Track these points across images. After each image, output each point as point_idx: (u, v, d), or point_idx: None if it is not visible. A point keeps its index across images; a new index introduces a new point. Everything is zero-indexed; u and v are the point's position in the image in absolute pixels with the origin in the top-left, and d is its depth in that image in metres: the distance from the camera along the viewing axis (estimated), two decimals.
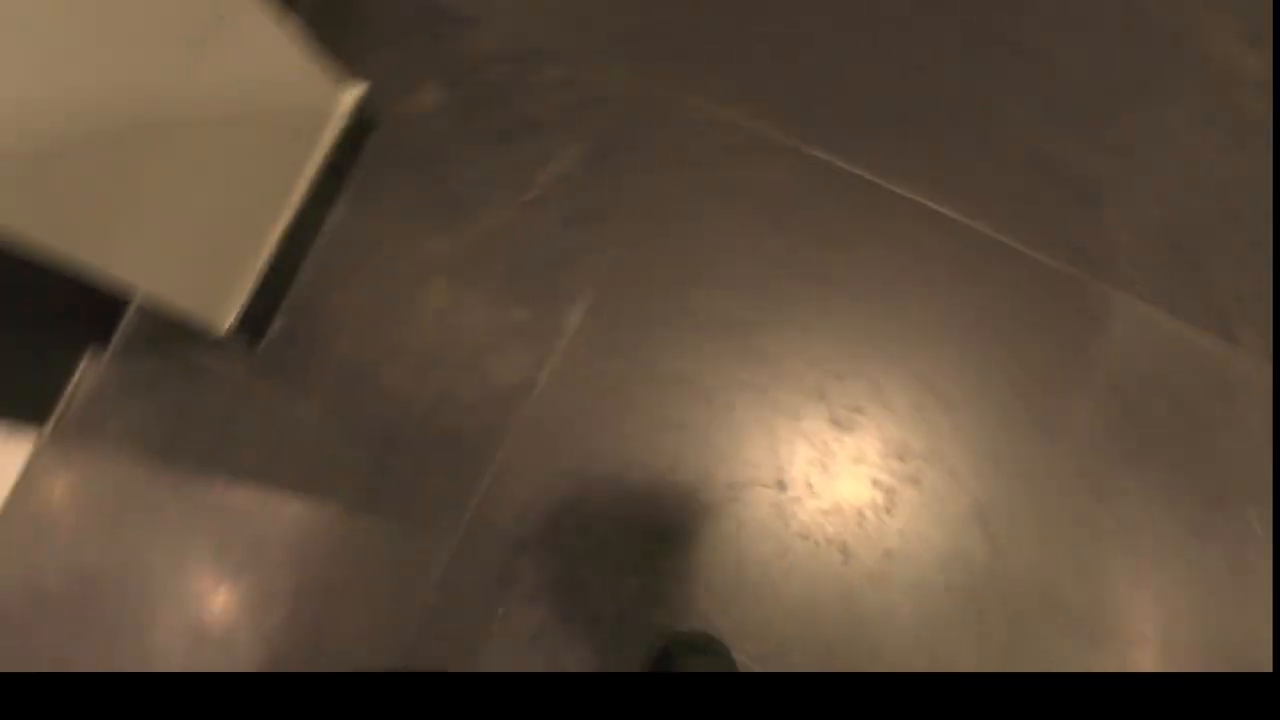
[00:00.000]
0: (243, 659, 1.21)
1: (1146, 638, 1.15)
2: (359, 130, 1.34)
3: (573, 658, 1.17)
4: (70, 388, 1.37)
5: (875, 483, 1.21)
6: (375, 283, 1.30)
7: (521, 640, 1.18)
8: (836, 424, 1.22)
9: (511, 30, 1.35)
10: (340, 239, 1.31)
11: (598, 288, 1.27)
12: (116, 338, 1.39)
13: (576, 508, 1.22)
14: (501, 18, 1.36)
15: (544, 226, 1.28)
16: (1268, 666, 1.14)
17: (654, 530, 1.21)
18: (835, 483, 1.22)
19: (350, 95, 1.30)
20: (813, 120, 1.29)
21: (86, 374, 1.37)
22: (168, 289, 1.18)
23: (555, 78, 1.32)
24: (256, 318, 1.30)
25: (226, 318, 1.27)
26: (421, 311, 1.28)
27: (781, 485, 1.22)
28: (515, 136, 1.31)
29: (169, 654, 1.23)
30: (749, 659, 1.15)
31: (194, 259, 1.21)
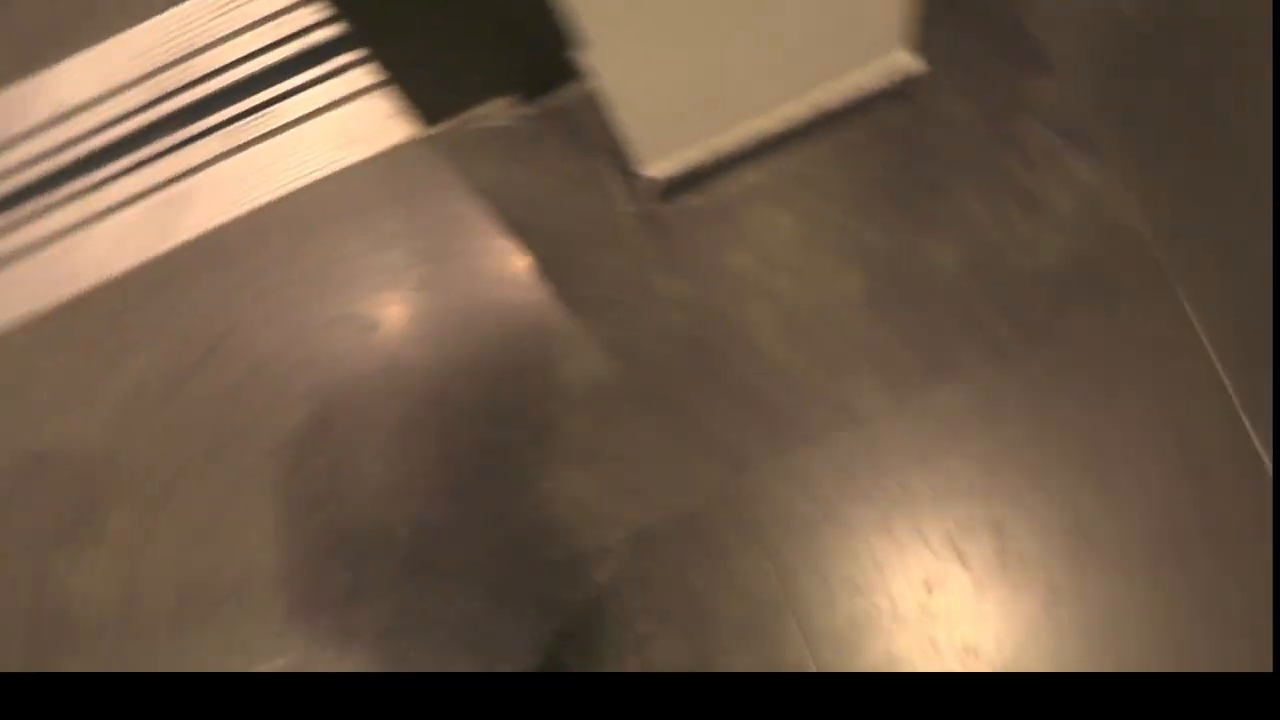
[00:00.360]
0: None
1: None
2: (886, 95, 1.27)
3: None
4: (470, 115, 1.35)
5: None
6: (800, 228, 1.24)
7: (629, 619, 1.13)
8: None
9: (1069, 107, 1.27)
10: (800, 170, 1.25)
11: (980, 389, 1.18)
12: (538, 102, 1.36)
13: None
14: (1069, 86, 1.27)
15: (982, 288, 1.20)
16: None
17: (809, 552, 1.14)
18: None
19: (903, 61, 1.24)
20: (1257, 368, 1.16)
21: (494, 113, 1.35)
22: (633, 109, 1.14)
23: (1087, 178, 1.23)
24: (678, 182, 1.26)
25: (656, 164, 1.22)
26: (823, 286, 1.21)
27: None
28: (1010, 199, 1.23)
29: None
30: None
31: (679, 101, 1.16)
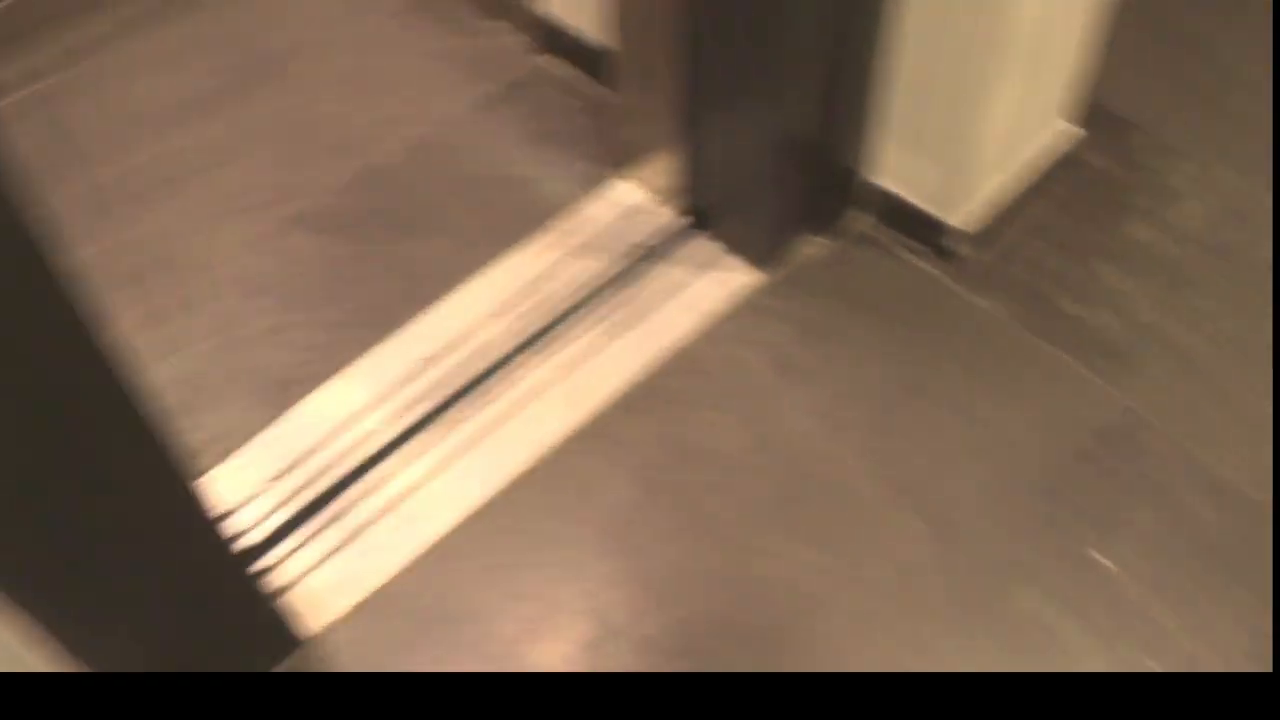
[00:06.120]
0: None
1: None
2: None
3: None
4: (794, 256, 1.58)
5: None
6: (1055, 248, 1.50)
7: None
8: None
9: None
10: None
11: None
12: (837, 231, 1.58)
13: None
14: None
15: None
16: None
17: None
18: None
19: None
20: None
21: (807, 250, 1.58)
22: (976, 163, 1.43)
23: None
24: (978, 237, 1.51)
25: (965, 219, 1.49)
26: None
27: None
28: None
29: None
30: None
31: (994, 151, 1.45)
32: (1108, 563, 1.26)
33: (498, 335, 1.50)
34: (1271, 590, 1.20)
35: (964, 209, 1.49)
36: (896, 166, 1.50)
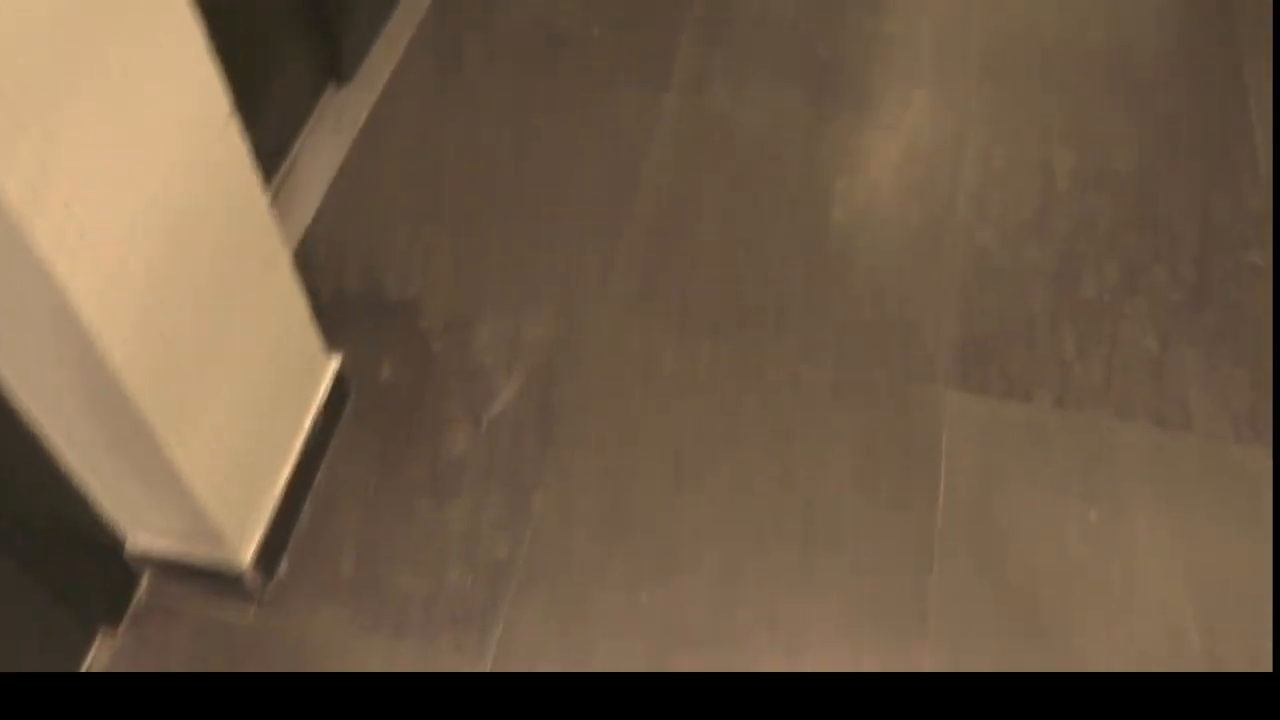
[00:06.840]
0: None
1: None
2: (339, 392, 1.56)
3: None
4: (85, 666, 1.40)
5: None
6: (366, 511, 1.49)
7: None
8: None
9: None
10: (332, 480, 1.51)
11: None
12: (128, 615, 1.45)
13: None
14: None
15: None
16: None
17: None
18: None
19: (333, 362, 1.54)
20: None
21: (100, 652, 1.42)
22: (215, 500, 1.28)
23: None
24: (269, 556, 1.42)
25: (246, 551, 1.37)
26: (419, 523, 1.49)
27: None
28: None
29: None
30: None
31: (229, 481, 1.32)
32: None
33: None
34: (1271, 581, 1.27)
35: (242, 535, 1.38)
36: (149, 531, 1.39)
